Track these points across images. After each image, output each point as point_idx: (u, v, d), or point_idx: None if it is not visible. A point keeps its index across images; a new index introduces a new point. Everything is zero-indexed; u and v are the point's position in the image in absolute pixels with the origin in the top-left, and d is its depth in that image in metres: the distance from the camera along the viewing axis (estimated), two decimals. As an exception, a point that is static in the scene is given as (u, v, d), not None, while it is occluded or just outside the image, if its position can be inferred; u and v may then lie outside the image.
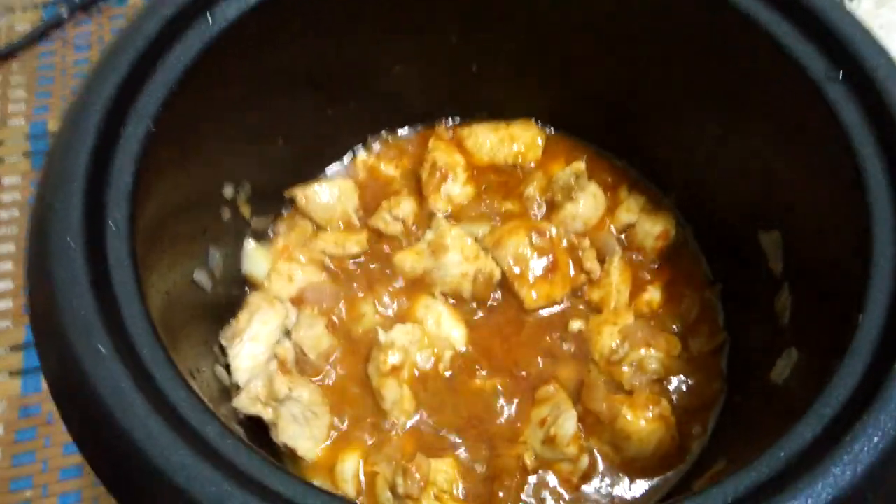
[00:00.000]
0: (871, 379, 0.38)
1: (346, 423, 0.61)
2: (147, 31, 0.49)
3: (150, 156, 0.47)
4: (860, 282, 0.42)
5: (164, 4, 0.50)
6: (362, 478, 0.59)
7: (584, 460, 0.59)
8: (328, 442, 0.60)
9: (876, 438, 0.35)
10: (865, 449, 0.34)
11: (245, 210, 0.65)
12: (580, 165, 0.69)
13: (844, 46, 0.49)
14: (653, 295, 0.67)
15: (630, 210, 0.70)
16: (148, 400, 0.36)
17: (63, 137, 0.45)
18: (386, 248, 0.69)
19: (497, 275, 0.66)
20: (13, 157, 0.87)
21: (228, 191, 0.63)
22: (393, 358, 0.61)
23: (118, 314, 0.40)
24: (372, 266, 0.69)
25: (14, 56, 0.94)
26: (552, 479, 0.59)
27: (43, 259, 0.41)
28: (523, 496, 0.58)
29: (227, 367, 0.60)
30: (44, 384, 0.70)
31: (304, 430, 0.59)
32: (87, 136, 0.44)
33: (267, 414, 0.58)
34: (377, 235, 0.70)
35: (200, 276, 0.59)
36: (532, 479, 0.59)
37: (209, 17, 0.52)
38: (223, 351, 0.61)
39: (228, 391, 0.59)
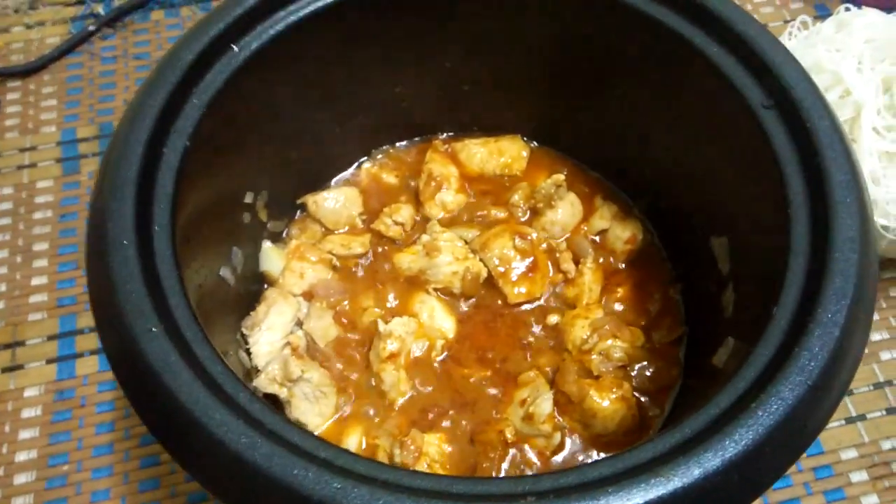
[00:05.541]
0: (778, 361, 0.43)
1: (350, 403, 0.64)
2: (183, 61, 0.53)
3: (185, 168, 0.52)
4: (779, 282, 0.47)
5: (196, 37, 0.54)
6: (364, 448, 0.62)
7: (557, 436, 0.62)
8: (335, 418, 0.63)
9: (776, 406, 0.41)
10: (766, 414, 0.40)
11: (263, 215, 0.69)
12: (560, 177, 0.72)
13: (778, 79, 0.53)
14: (621, 293, 0.70)
15: (603, 217, 0.74)
16: (192, 371, 0.42)
17: (114, 153, 0.50)
18: (386, 249, 0.72)
19: (484, 273, 0.69)
20: (46, 162, 0.90)
21: (249, 198, 0.66)
22: (391, 346, 0.64)
23: (165, 302, 0.45)
24: (374, 265, 0.72)
25: (45, 68, 0.98)
26: (529, 452, 0.62)
27: (102, 256, 0.45)
28: (504, 465, 0.61)
29: (248, 352, 0.63)
30: (77, 370, 0.75)
31: (314, 408, 0.62)
32: (136, 152, 0.49)
33: (282, 393, 0.61)
34: (379, 237, 0.73)
35: (225, 273, 0.62)
36: (512, 451, 0.62)
37: (234, 48, 0.56)
38: (244, 338, 0.64)
39: (249, 373, 0.63)
